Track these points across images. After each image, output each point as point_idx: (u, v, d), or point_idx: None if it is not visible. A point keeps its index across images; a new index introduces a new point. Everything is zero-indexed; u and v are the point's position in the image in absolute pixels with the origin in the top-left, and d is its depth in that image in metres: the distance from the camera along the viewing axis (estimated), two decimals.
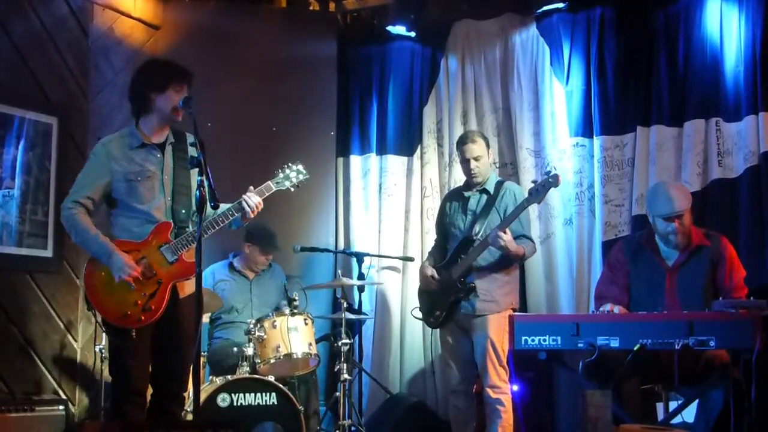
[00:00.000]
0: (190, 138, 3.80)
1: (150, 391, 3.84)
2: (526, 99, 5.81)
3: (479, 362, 4.63)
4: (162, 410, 3.79)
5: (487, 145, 4.85)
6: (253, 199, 3.83)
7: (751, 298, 3.94)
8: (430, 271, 4.79)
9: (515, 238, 4.55)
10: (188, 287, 3.81)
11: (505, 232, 4.44)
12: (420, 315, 4.94)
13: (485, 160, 4.80)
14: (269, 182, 3.99)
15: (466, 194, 4.83)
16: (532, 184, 4.52)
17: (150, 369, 3.80)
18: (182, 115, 3.79)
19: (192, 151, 3.81)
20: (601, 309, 4.28)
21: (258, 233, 5.41)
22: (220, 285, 5.43)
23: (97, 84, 5.55)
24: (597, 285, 4.64)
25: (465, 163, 4.79)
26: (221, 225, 3.83)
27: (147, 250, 3.74)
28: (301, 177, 4.07)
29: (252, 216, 3.86)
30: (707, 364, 4.05)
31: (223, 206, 3.85)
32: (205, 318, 5.29)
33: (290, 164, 4.08)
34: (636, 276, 4.43)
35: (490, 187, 4.78)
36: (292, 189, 4.06)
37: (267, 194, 3.95)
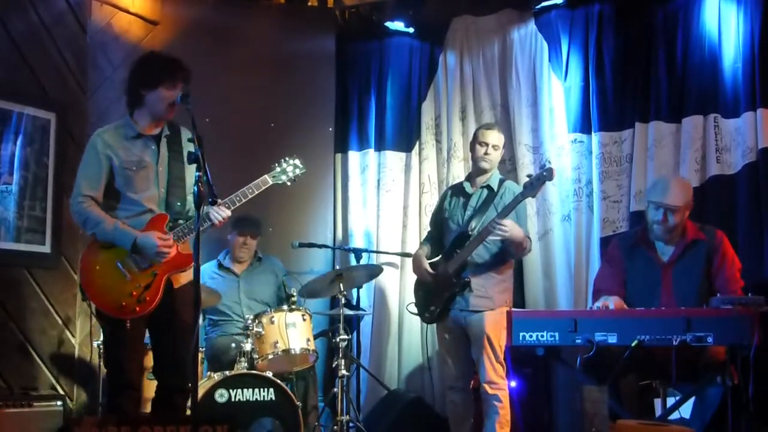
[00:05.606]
0: (186, 133, 3.80)
1: (155, 383, 3.85)
2: (525, 95, 5.81)
3: (476, 358, 4.62)
4: (167, 403, 3.78)
5: (503, 143, 4.84)
6: (221, 213, 3.79)
7: (749, 294, 3.94)
8: (425, 264, 4.77)
9: None
10: (183, 278, 3.81)
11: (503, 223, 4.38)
12: (415, 310, 4.94)
13: (499, 152, 4.78)
14: (266, 176, 3.99)
15: (469, 190, 4.81)
16: (527, 179, 4.50)
17: (151, 362, 3.80)
18: (176, 111, 3.77)
19: (189, 147, 3.78)
20: (596, 305, 4.28)
21: (238, 217, 5.34)
22: (209, 284, 5.37)
23: (95, 79, 5.54)
24: (595, 279, 4.66)
25: (482, 146, 4.72)
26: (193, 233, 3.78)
27: None
28: (297, 171, 4.07)
29: (218, 226, 3.82)
30: (706, 361, 4.06)
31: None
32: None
33: (287, 158, 4.06)
34: (632, 272, 4.46)
35: (494, 184, 4.75)
36: (289, 183, 4.06)
37: (264, 188, 3.95)
